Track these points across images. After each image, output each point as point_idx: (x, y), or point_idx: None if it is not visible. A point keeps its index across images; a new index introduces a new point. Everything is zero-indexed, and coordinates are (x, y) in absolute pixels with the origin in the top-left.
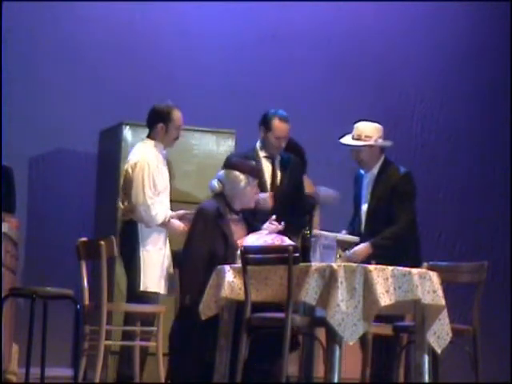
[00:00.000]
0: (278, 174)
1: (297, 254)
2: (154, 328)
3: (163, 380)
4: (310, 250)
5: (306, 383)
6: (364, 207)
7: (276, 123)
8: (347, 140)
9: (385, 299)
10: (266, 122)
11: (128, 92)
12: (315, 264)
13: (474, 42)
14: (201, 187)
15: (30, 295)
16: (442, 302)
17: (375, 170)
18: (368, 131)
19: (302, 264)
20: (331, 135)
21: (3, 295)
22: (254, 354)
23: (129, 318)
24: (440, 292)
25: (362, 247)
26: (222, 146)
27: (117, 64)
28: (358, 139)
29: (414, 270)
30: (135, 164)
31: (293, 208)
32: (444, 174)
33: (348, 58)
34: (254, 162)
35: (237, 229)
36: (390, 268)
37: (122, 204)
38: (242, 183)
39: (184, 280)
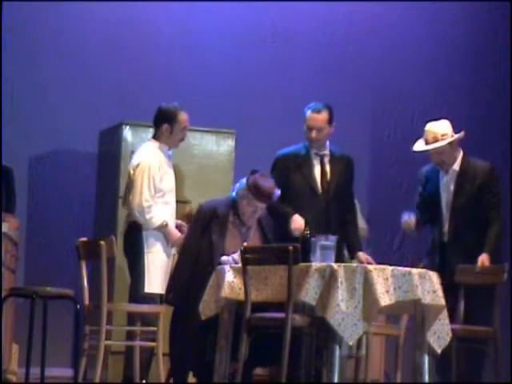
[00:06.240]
0: (328, 171)
1: (296, 254)
2: (154, 328)
3: (163, 380)
4: (310, 250)
5: (307, 383)
6: (446, 206)
7: (307, 114)
8: (423, 146)
9: (385, 299)
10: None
11: (128, 92)
12: (315, 264)
13: (475, 42)
14: (200, 187)
15: (30, 295)
16: (442, 302)
17: (456, 167)
18: (442, 130)
19: (302, 264)
20: (332, 135)
21: (3, 295)
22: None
23: (132, 319)
24: (440, 292)
25: (485, 259)
26: (221, 146)
27: (117, 64)
28: (436, 141)
29: (414, 270)
30: (137, 165)
31: (339, 209)
32: None
33: (348, 58)
34: (270, 188)
35: (238, 235)
36: (390, 268)
37: (127, 205)
38: (241, 194)
39: (170, 278)
